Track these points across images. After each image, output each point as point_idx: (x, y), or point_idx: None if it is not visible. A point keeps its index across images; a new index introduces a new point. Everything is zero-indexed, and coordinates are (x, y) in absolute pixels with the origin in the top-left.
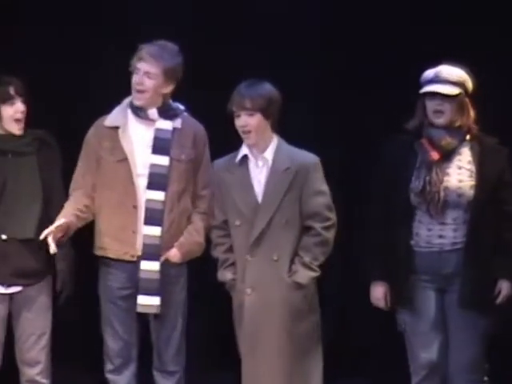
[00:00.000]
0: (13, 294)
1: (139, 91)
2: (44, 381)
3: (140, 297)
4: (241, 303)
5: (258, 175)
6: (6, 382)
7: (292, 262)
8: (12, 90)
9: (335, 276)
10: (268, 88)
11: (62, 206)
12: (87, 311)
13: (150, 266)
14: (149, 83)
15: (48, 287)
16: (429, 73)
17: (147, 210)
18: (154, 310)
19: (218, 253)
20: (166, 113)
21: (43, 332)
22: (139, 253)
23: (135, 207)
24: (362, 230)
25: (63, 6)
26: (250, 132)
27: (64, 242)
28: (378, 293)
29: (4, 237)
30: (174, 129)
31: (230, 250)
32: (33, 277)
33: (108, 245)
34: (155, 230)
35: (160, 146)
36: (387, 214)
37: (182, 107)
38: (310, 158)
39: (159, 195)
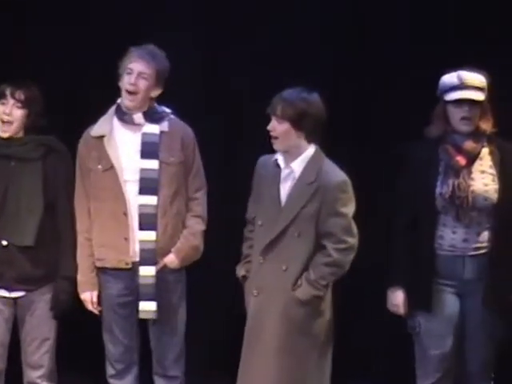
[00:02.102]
0: (17, 298)
1: (132, 92)
2: None
3: (141, 303)
4: (248, 302)
5: (285, 183)
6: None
7: (300, 275)
8: (8, 91)
9: None
10: (308, 100)
11: (65, 215)
12: (90, 316)
13: (148, 272)
14: (142, 84)
15: (49, 294)
16: (450, 79)
17: (141, 215)
18: (152, 316)
19: (244, 247)
20: (151, 116)
21: (46, 337)
22: (133, 259)
23: (125, 214)
24: (388, 235)
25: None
26: (276, 138)
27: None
28: (398, 299)
29: (4, 243)
30: (162, 132)
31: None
32: (33, 283)
33: (104, 255)
34: (150, 235)
35: (148, 150)
36: (411, 219)
37: (168, 110)
38: (337, 176)
39: (151, 200)
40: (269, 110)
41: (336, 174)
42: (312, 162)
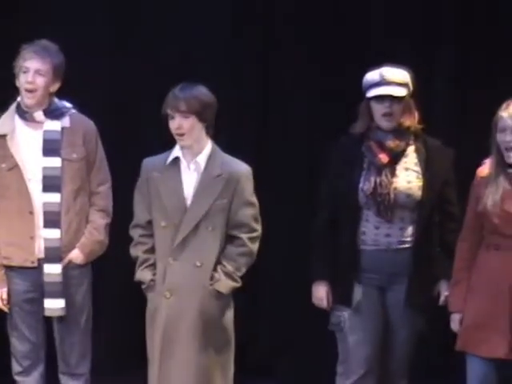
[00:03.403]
0: None
1: (31, 90)
2: None
3: (46, 300)
4: (157, 306)
5: (189, 179)
6: None
7: (214, 269)
8: None
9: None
10: (204, 91)
11: None
12: None
13: (53, 270)
14: (40, 81)
15: None
16: (372, 75)
17: (45, 213)
18: (59, 313)
19: (138, 252)
20: (52, 113)
21: None
22: (39, 257)
23: (31, 213)
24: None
25: None
26: (183, 134)
27: None
28: (321, 292)
29: None
30: (63, 128)
31: (152, 250)
32: None
33: (11, 253)
34: (55, 233)
35: (50, 147)
36: (335, 215)
37: (69, 105)
38: (242, 167)
39: (55, 197)
40: (168, 109)
41: (239, 165)
42: (214, 155)
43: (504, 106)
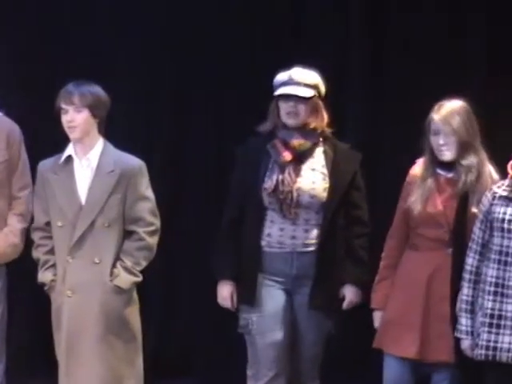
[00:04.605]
0: None
1: None
2: None
3: None
4: (60, 305)
5: (82, 177)
6: None
7: (114, 265)
8: None
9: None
10: (97, 88)
11: None
12: None
13: None
14: None
15: None
16: (282, 75)
17: None
18: None
19: (39, 254)
20: None
21: None
22: None
23: None
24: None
25: None
26: (75, 127)
27: None
28: (225, 292)
29: None
30: None
31: (52, 251)
32: None
33: None
34: None
35: None
36: (241, 215)
37: None
38: (135, 161)
39: None
40: (61, 104)
41: (132, 160)
42: (106, 151)
43: (436, 107)
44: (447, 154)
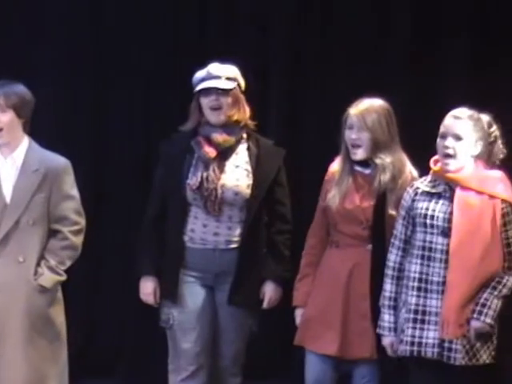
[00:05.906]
0: None
1: None
2: None
3: None
4: None
5: (7, 175)
6: None
7: (38, 264)
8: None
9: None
10: (22, 88)
11: None
12: None
13: None
14: None
15: None
16: (200, 72)
17: None
18: None
19: None
20: None
21: None
22: None
23: None
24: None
25: None
26: (1, 130)
27: None
28: (148, 288)
29: None
30: None
31: None
32: None
33: None
34: None
35: None
36: (164, 211)
37: None
38: (60, 160)
39: None
40: None
41: (58, 159)
42: (31, 150)
43: (355, 103)
44: (358, 153)
